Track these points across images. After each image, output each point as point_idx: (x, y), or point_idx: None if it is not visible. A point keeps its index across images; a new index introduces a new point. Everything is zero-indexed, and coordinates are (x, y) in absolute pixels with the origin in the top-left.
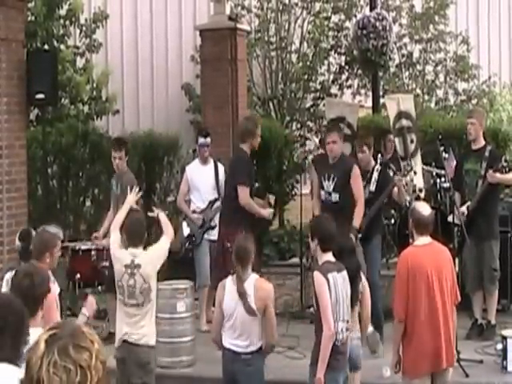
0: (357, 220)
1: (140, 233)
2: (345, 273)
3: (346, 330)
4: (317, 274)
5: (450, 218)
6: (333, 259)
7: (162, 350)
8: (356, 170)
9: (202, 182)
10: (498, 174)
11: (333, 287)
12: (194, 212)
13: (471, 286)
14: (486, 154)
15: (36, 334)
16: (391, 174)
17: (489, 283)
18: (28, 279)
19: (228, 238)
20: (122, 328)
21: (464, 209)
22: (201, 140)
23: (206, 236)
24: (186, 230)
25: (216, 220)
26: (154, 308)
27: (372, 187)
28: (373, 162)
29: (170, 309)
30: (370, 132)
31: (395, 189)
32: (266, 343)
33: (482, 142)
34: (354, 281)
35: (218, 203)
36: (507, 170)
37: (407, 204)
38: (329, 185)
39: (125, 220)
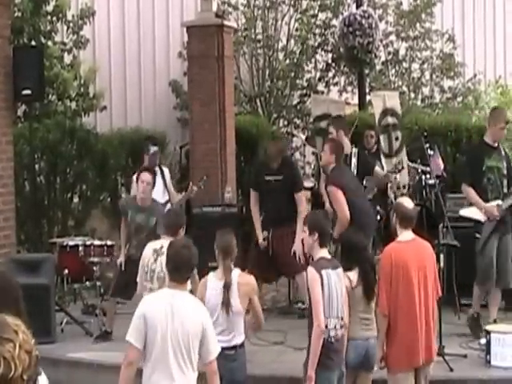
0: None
1: (176, 223)
2: (340, 270)
3: (340, 327)
4: (310, 270)
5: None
6: (328, 256)
7: None
8: (330, 190)
9: (157, 187)
10: None
11: (326, 284)
12: None
13: (485, 285)
14: (502, 152)
15: None
16: None
17: (509, 279)
18: (187, 250)
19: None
20: None
21: (494, 206)
22: (153, 149)
23: None
24: None
25: None
26: None
27: (353, 171)
28: (348, 146)
29: None
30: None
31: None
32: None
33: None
34: (367, 277)
35: (169, 205)
36: None
37: (392, 201)
38: None
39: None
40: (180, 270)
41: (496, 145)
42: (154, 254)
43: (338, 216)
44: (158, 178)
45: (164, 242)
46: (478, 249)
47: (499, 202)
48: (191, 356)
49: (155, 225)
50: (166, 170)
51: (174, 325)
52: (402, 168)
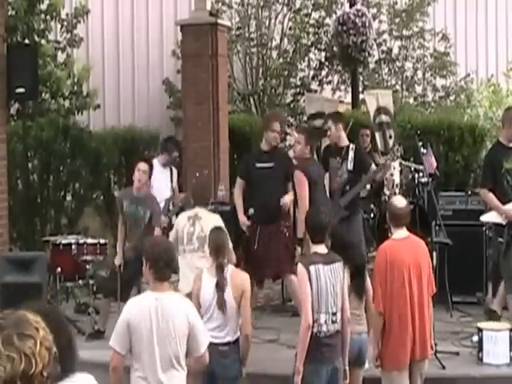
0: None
1: (204, 196)
2: (335, 265)
3: (332, 322)
4: (299, 265)
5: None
6: (323, 251)
7: None
8: (297, 174)
9: (163, 183)
10: None
11: (314, 278)
12: None
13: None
14: None
15: None
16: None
17: None
18: (171, 250)
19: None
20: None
21: (511, 207)
22: (175, 154)
23: None
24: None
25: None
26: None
27: (350, 166)
28: (346, 139)
29: None
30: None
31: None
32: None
33: None
34: (359, 274)
35: (179, 205)
36: None
37: (386, 199)
38: None
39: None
40: (166, 269)
41: (511, 145)
42: (190, 220)
43: (298, 205)
44: (167, 177)
45: (198, 211)
46: (501, 253)
47: None
48: (179, 356)
49: (150, 219)
50: (174, 171)
51: (160, 328)
52: (400, 156)
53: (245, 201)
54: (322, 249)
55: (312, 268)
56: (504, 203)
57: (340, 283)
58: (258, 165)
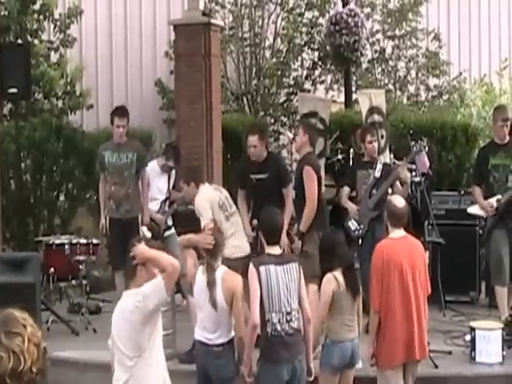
0: (304, 222)
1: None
2: (289, 266)
3: (286, 321)
4: (250, 266)
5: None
6: (276, 252)
7: None
8: (306, 171)
9: (162, 184)
10: None
11: (264, 279)
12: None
13: (505, 279)
14: None
15: None
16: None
17: None
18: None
19: None
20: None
21: (493, 201)
22: (170, 163)
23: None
24: (148, 234)
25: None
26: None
27: (377, 173)
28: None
29: None
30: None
31: (398, 184)
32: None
33: (507, 137)
34: (350, 273)
35: (175, 205)
36: None
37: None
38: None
39: None
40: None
41: (505, 142)
42: (216, 190)
43: (306, 200)
44: (165, 177)
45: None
46: (482, 244)
47: (499, 196)
48: (123, 352)
49: (136, 173)
50: (173, 172)
51: (115, 326)
52: (421, 150)
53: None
54: (275, 250)
55: (262, 268)
56: (489, 197)
57: (295, 283)
58: (252, 176)
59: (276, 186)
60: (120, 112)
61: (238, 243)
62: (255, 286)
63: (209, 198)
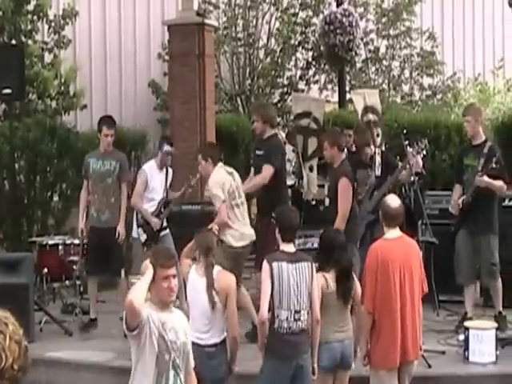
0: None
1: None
2: (301, 265)
3: (294, 319)
4: (264, 262)
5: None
6: (290, 250)
7: None
8: (342, 182)
9: (159, 184)
10: (485, 178)
11: (276, 276)
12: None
13: (464, 279)
14: (485, 150)
15: None
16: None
17: (488, 278)
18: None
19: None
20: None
21: (460, 201)
22: (166, 148)
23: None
24: (143, 236)
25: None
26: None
27: (377, 171)
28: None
29: None
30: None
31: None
32: (227, 335)
33: (482, 138)
34: (344, 278)
35: (171, 205)
36: (497, 168)
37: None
38: (326, 188)
39: None
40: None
41: (477, 143)
42: (230, 175)
43: (339, 211)
44: (162, 177)
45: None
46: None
47: (464, 197)
48: None
49: (118, 177)
50: (170, 171)
51: None
52: (425, 147)
53: None
54: (289, 247)
55: (275, 265)
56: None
57: (306, 283)
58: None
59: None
60: (108, 121)
61: (242, 231)
62: (267, 282)
63: (220, 181)
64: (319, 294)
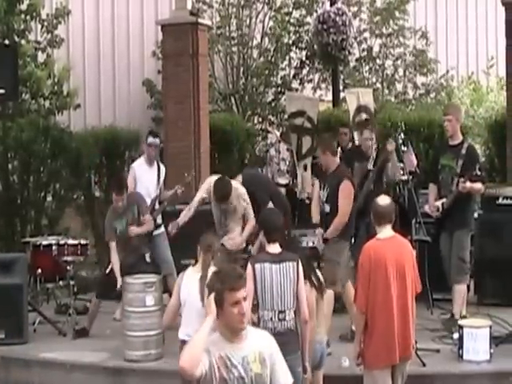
0: (331, 230)
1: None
2: (285, 265)
3: (279, 320)
4: (248, 264)
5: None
6: (276, 251)
7: (132, 343)
8: (344, 185)
9: (150, 180)
10: (468, 184)
11: (259, 276)
12: None
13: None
14: (463, 151)
15: None
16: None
17: (455, 274)
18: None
19: None
20: None
21: (439, 204)
22: (150, 139)
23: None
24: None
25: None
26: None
27: (370, 165)
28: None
29: (140, 303)
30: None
31: (389, 165)
32: None
33: (460, 138)
34: (314, 277)
35: (165, 204)
36: (479, 175)
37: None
38: (323, 194)
39: None
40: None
41: (454, 143)
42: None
43: (338, 212)
44: (154, 174)
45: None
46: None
47: (444, 200)
48: None
49: (139, 215)
50: (162, 168)
51: None
52: (409, 143)
53: None
54: (274, 248)
55: (257, 266)
56: (441, 198)
57: (291, 282)
58: None
59: None
60: (118, 186)
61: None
62: (249, 284)
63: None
64: None
